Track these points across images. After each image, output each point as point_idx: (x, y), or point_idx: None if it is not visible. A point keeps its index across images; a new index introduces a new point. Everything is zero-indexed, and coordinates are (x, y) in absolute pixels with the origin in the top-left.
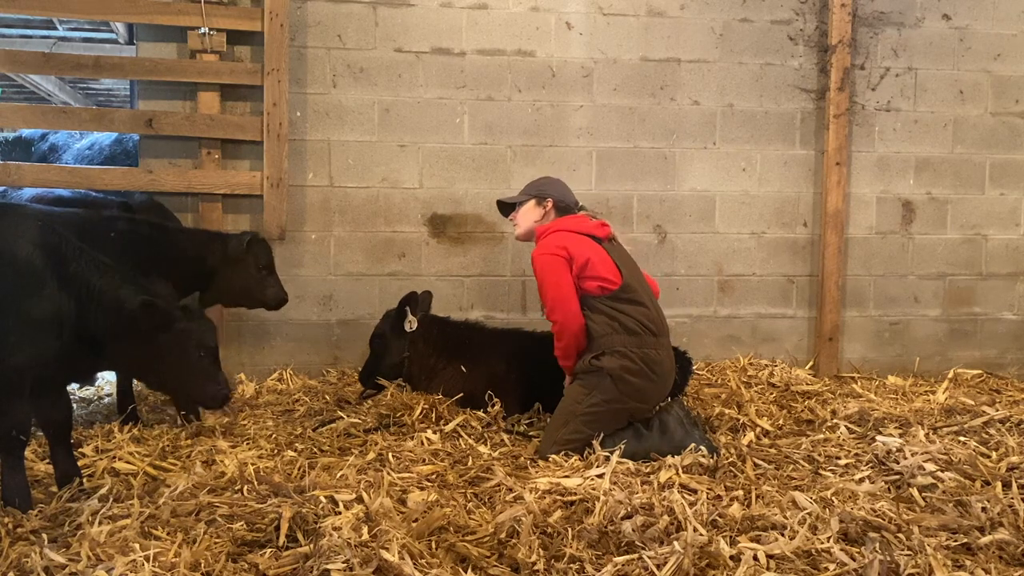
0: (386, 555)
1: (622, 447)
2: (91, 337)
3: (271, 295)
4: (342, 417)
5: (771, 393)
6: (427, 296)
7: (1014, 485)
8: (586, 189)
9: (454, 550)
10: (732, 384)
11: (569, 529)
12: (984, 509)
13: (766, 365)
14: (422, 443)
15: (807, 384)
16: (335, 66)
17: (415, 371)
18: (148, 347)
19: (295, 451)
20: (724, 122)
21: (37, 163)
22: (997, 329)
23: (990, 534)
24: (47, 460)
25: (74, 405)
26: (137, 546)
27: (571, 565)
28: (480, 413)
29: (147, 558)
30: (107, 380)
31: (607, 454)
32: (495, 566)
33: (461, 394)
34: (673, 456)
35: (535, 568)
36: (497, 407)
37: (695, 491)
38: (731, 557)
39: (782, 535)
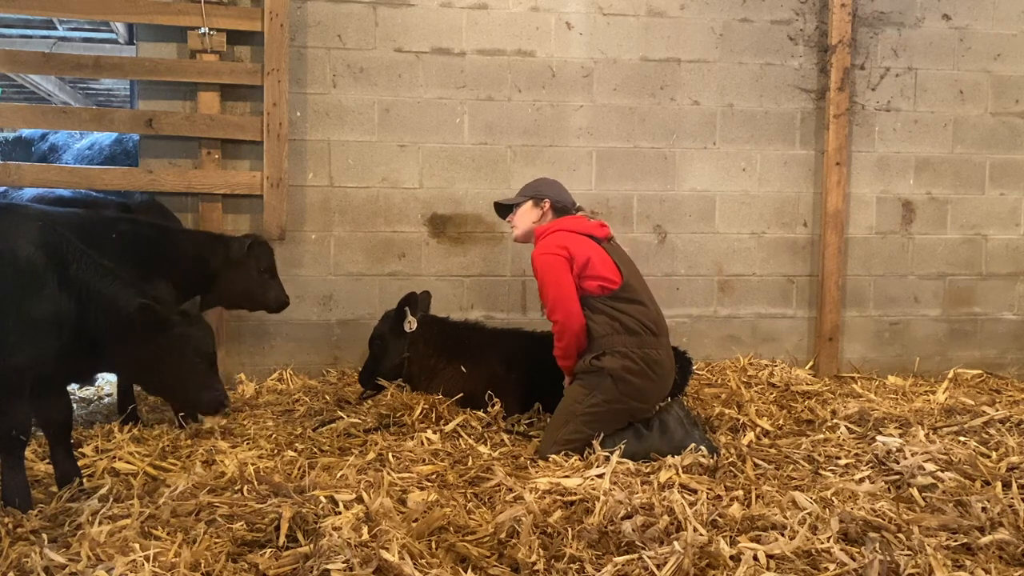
0: (386, 555)
1: (622, 447)
2: (90, 338)
3: (272, 298)
4: (342, 417)
5: (771, 393)
6: (426, 296)
7: (1014, 485)
8: (586, 189)
9: (454, 550)
10: (732, 384)
11: (569, 529)
12: (984, 509)
13: (766, 365)
14: (422, 443)
15: (807, 384)
16: (335, 66)
17: (415, 372)
18: (145, 350)
19: (295, 451)
20: (724, 122)
21: (37, 163)
22: (997, 329)
23: (990, 534)
24: (47, 460)
25: (74, 405)
26: (137, 546)
27: (571, 565)
28: (480, 413)
29: (147, 558)
30: (107, 380)
31: (607, 454)
32: (495, 566)
33: (461, 394)
34: (673, 456)
35: (535, 568)
36: (497, 407)
37: (695, 491)
38: (731, 557)
39: (782, 535)
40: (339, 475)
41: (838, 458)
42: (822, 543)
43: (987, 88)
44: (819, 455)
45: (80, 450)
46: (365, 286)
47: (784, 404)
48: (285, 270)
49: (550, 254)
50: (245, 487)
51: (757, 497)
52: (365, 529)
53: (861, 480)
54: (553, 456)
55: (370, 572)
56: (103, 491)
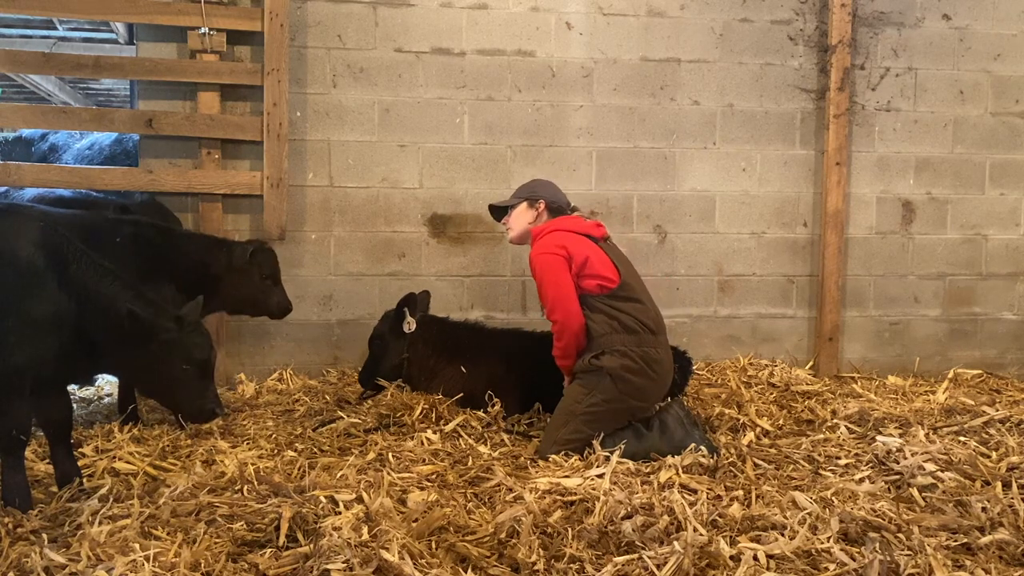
0: (386, 555)
1: (622, 447)
2: (90, 339)
3: (275, 304)
4: (342, 417)
5: (771, 393)
6: (425, 296)
7: (1014, 485)
8: (586, 189)
9: (454, 550)
10: (732, 384)
11: (569, 529)
12: (984, 509)
13: (766, 365)
14: (422, 443)
15: (807, 384)
16: (335, 66)
17: (415, 372)
18: (137, 355)
19: (295, 451)
20: (724, 122)
21: (37, 163)
22: (997, 329)
23: (990, 534)
24: (47, 460)
25: (74, 405)
26: (137, 546)
27: (571, 565)
28: (480, 413)
29: (147, 558)
30: (107, 380)
31: (607, 454)
32: (495, 566)
33: (461, 394)
34: (673, 456)
35: (535, 568)
36: (497, 407)
37: (695, 491)
38: (731, 557)
39: (782, 535)
40: (339, 475)
41: (838, 458)
42: (822, 543)
43: (987, 88)
44: (819, 455)
45: (80, 450)
46: (365, 286)
47: (784, 404)
48: (285, 270)
49: (548, 254)
50: (245, 487)
51: (757, 497)
52: (365, 529)
53: (861, 480)
54: (553, 456)
55: (370, 572)
56: (103, 491)
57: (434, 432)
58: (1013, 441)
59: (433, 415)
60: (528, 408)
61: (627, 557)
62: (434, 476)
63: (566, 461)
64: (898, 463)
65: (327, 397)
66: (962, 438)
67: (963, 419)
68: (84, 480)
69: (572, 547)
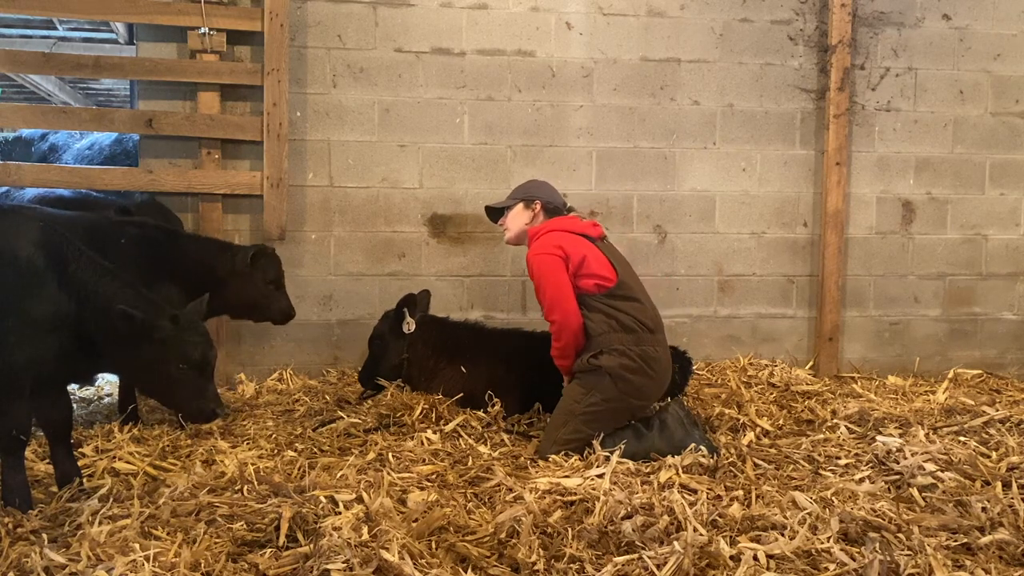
0: (386, 555)
1: (622, 447)
2: (90, 339)
3: (277, 310)
4: (342, 417)
5: (771, 393)
6: (425, 296)
7: (1014, 485)
8: (586, 189)
9: (454, 550)
10: (732, 384)
11: (569, 529)
12: (984, 509)
13: (766, 365)
14: (422, 443)
15: (807, 384)
16: (335, 66)
17: (414, 372)
18: (134, 355)
19: (295, 451)
20: (724, 122)
21: (37, 163)
22: (997, 329)
23: (990, 534)
24: (47, 460)
25: (74, 405)
26: (137, 546)
27: (571, 565)
28: (480, 413)
29: (147, 558)
30: (107, 380)
31: (607, 454)
32: (495, 566)
33: (461, 394)
34: (673, 456)
35: (535, 568)
36: (497, 407)
37: (695, 491)
38: (731, 557)
39: (782, 535)
40: (339, 475)
41: (838, 458)
42: (822, 543)
43: (987, 88)
44: (819, 455)
45: (80, 450)
46: (365, 286)
47: (784, 404)
48: (285, 270)
49: (546, 254)
50: (245, 487)
51: (757, 497)
52: (365, 529)
53: (861, 480)
54: (553, 456)
55: (370, 572)
56: (103, 491)
57: (434, 432)
58: (1013, 441)
59: (433, 415)
60: (528, 408)
61: (627, 557)
62: (434, 476)
63: (566, 461)
64: (898, 463)
65: (327, 397)
66: (962, 438)
67: (963, 419)
68: (84, 480)
69: (572, 547)
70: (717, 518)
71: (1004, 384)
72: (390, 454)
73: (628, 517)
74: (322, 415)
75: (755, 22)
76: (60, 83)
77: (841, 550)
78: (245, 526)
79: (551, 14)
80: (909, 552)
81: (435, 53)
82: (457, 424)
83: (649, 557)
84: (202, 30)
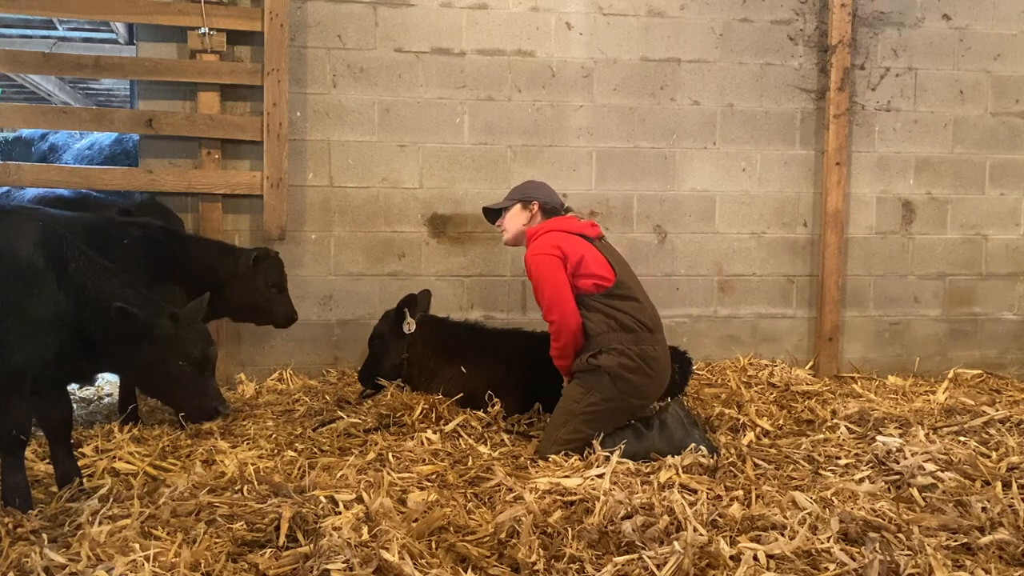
0: (386, 555)
1: (622, 447)
2: (89, 339)
3: (279, 314)
4: (342, 417)
5: (771, 393)
6: (426, 295)
7: (1014, 485)
8: (586, 189)
9: (454, 550)
10: (732, 384)
11: (569, 529)
12: (984, 509)
13: (766, 365)
14: (422, 443)
15: (807, 384)
16: (335, 66)
17: (414, 372)
18: (134, 353)
19: (295, 451)
20: (724, 122)
21: (37, 163)
22: (997, 329)
23: (990, 534)
24: (47, 460)
25: (74, 405)
26: (137, 546)
27: (571, 565)
28: (480, 413)
29: (147, 558)
30: (107, 380)
31: (607, 454)
32: (495, 566)
33: (461, 394)
34: (673, 456)
35: (535, 568)
36: (497, 407)
37: (695, 491)
38: (731, 557)
39: (782, 535)
40: (339, 475)
41: (838, 458)
42: (822, 543)
43: (987, 88)
44: (819, 455)
45: (80, 450)
46: (365, 286)
47: (784, 404)
48: (285, 270)
49: (544, 254)
50: (245, 487)
51: (757, 497)
52: (365, 529)
53: (861, 480)
54: (553, 456)
55: (370, 572)
56: (103, 491)
57: (434, 432)
58: (1013, 441)
59: (433, 415)
60: (528, 408)
61: (627, 557)
62: (434, 476)
63: (566, 461)
64: (898, 463)
65: (327, 397)
66: (962, 438)
67: (963, 419)
68: (84, 480)
69: (572, 547)
70: (717, 518)
71: (1004, 384)
72: (390, 454)
73: (628, 517)
74: (322, 415)
75: (755, 22)
76: (60, 83)
77: (841, 550)
78: (245, 526)
79: (551, 14)
80: (909, 552)
81: (435, 53)
82: (457, 424)
83: (649, 557)
84: (202, 30)
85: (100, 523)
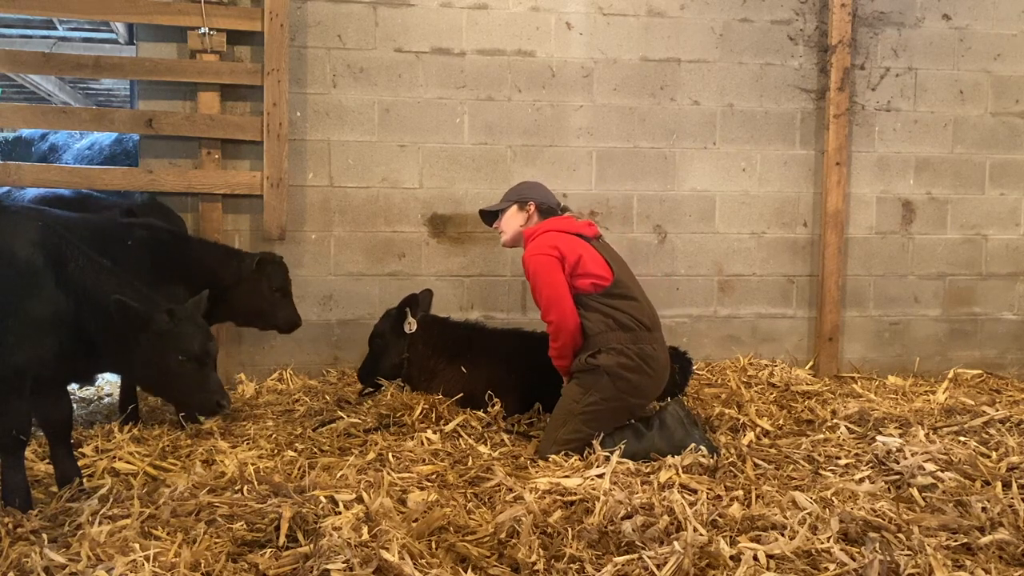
0: (386, 555)
1: (622, 447)
2: (89, 338)
3: (282, 319)
4: (342, 417)
5: (771, 393)
6: (427, 295)
7: (1014, 485)
8: (586, 189)
9: (454, 550)
10: (732, 384)
11: (569, 529)
12: (984, 509)
13: (766, 365)
14: (422, 443)
15: (807, 384)
16: (335, 66)
17: (414, 372)
18: (134, 350)
19: (295, 451)
20: (724, 122)
21: (37, 163)
22: (997, 329)
23: (990, 534)
24: (47, 460)
25: (74, 405)
26: (137, 546)
27: (571, 565)
28: (480, 413)
29: (147, 558)
30: (107, 380)
31: (607, 454)
32: (495, 566)
33: (461, 394)
34: (673, 456)
35: (535, 568)
36: (497, 407)
37: (695, 491)
38: (731, 557)
39: (782, 535)
40: (339, 475)
41: (838, 458)
42: (822, 543)
43: (987, 88)
44: (819, 455)
45: (80, 450)
46: (365, 286)
47: (784, 404)
48: None
49: (541, 254)
50: (245, 487)
51: (757, 497)
52: (365, 529)
53: (861, 480)
54: (553, 456)
55: (370, 572)
56: (103, 491)
57: (434, 432)
58: (1013, 441)
59: (433, 415)
60: (528, 408)
61: (627, 557)
62: (434, 476)
63: (566, 461)
64: (898, 463)
65: (327, 397)
66: (962, 438)
67: (963, 419)
68: (84, 480)
69: (572, 547)
70: (717, 518)
71: (1004, 384)
72: (390, 454)
73: (628, 517)
74: (322, 415)
75: (755, 22)
76: (60, 83)
77: (841, 550)
78: (245, 526)
79: (551, 14)
80: (909, 552)
81: (435, 53)
82: (457, 424)
83: (649, 557)
84: (202, 30)
85: (100, 523)
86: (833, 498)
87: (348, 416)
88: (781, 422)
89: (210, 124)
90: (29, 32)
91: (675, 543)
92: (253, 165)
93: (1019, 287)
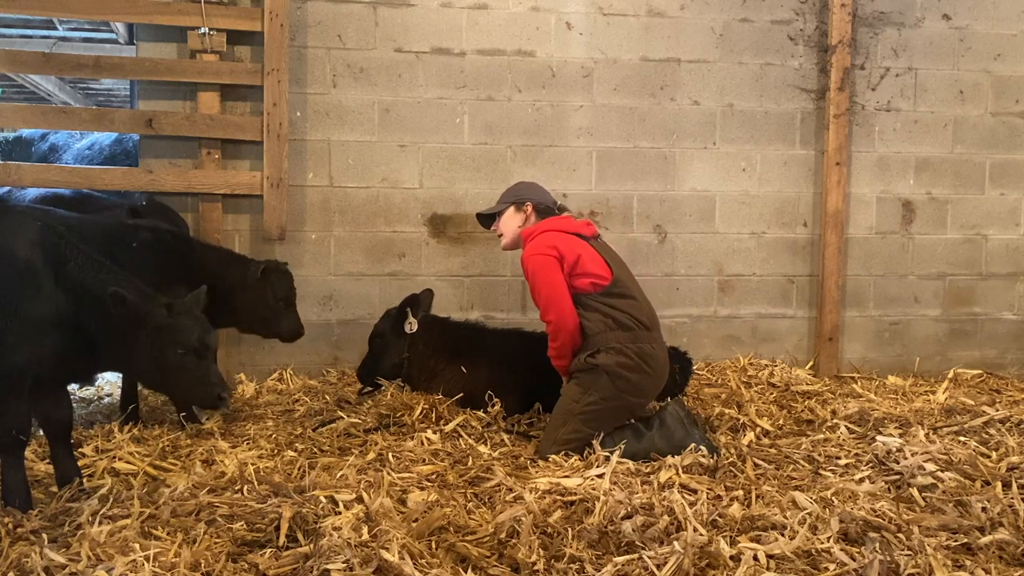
0: (386, 555)
1: (622, 447)
2: (89, 336)
3: (285, 328)
4: (342, 417)
5: (771, 393)
6: (428, 295)
7: (1014, 485)
8: (586, 189)
9: (454, 550)
10: (732, 384)
11: (569, 529)
12: (984, 509)
13: (766, 365)
14: (422, 443)
15: (807, 384)
16: (335, 66)
17: (415, 372)
18: (133, 345)
19: (295, 451)
20: (724, 122)
21: (37, 163)
22: (997, 329)
23: (990, 534)
24: (47, 460)
25: (74, 405)
26: (137, 546)
27: (571, 565)
28: (480, 413)
29: (147, 558)
30: (107, 380)
31: (607, 454)
32: (495, 566)
33: (461, 394)
34: (673, 456)
35: (535, 568)
36: (497, 407)
37: (695, 491)
38: (731, 557)
39: (782, 535)
40: (339, 475)
41: (838, 458)
42: (822, 543)
43: (987, 88)
44: (819, 455)
45: (80, 450)
46: (365, 286)
47: (784, 404)
48: None
49: (540, 254)
50: (245, 487)
51: (757, 497)
52: (365, 529)
53: (861, 480)
54: (553, 456)
55: (370, 572)
56: (103, 491)
57: (434, 432)
58: (1013, 441)
59: (433, 415)
60: (528, 408)
61: (627, 557)
62: (434, 476)
63: (566, 461)
64: (898, 463)
65: (327, 397)
66: (962, 438)
67: (963, 419)
68: (84, 480)
69: (572, 547)
70: (717, 518)
71: (1004, 384)
72: (390, 454)
73: (628, 517)
74: (322, 415)
75: (755, 22)
76: (60, 83)
77: (841, 550)
78: (245, 526)
79: (551, 14)
80: (909, 552)
81: (435, 53)
82: (457, 424)
83: (649, 557)
84: (202, 30)
85: (100, 523)
86: (833, 498)
87: (348, 416)
88: (781, 422)
89: (210, 124)
90: (29, 32)
91: (675, 543)
92: (253, 165)
93: (1019, 287)
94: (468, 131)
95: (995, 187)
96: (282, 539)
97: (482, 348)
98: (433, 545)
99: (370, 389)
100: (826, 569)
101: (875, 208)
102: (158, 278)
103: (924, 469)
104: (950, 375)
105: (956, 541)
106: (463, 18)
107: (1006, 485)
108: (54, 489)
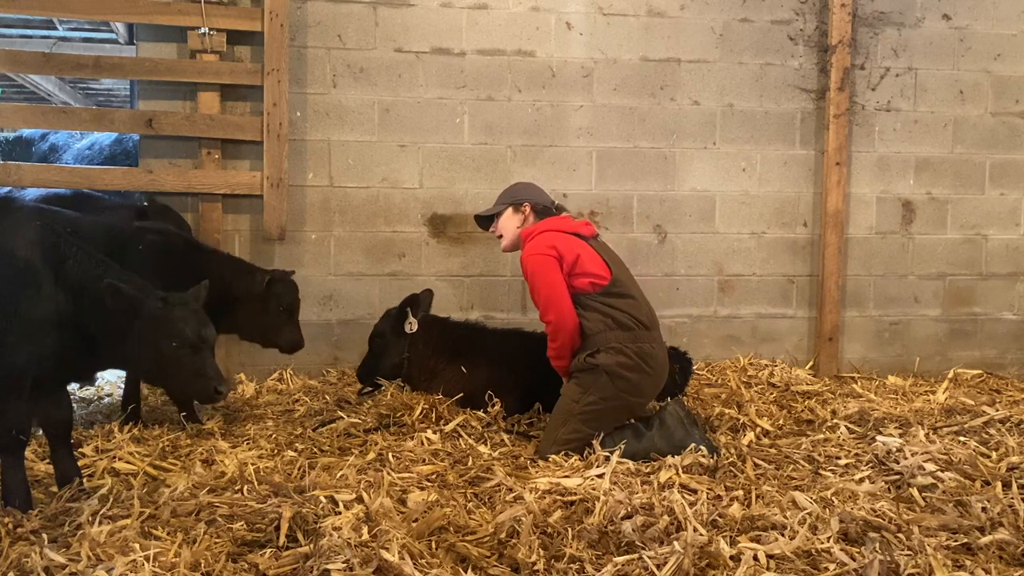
0: (386, 555)
1: (622, 447)
2: (89, 335)
3: (285, 339)
4: (342, 417)
5: (771, 393)
6: (428, 295)
7: (1014, 485)
8: (586, 189)
9: (454, 550)
10: (732, 384)
11: (569, 529)
12: (984, 509)
13: (766, 365)
14: (422, 443)
15: (807, 384)
16: (335, 66)
17: (415, 372)
18: (128, 336)
19: (295, 451)
20: (724, 122)
21: (37, 163)
22: (997, 329)
23: (990, 534)
24: (47, 460)
25: (74, 405)
26: (137, 546)
27: (571, 565)
28: (480, 413)
29: (147, 558)
30: (107, 380)
31: (607, 454)
32: (495, 566)
33: (461, 394)
34: (673, 456)
35: (535, 568)
36: (497, 407)
37: (695, 491)
38: (731, 557)
39: (782, 535)
40: (339, 475)
41: (838, 458)
42: (822, 543)
43: (987, 88)
44: (819, 455)
45: (80, 450)
46: (365, 286)
47: (784, 404)
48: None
49: (539, 254)
50: (245, 487)
51: (757, 497)
52: (365, 529)
53: (861, 480)
54: (553, 456)
55: (370, 572)
56: (103, 491)
57: (434, 432)
58: (1013, 441)
59: (433, 415)
60: (528, 408)
61: (627, 557)
62: (434, 476)
63: (566, 461)
64: (898, 463)
65: (327, 397)
66: (962, 438)
67: (963, 419)
68: (84, 480)
69: (572, 547)
70: (717, 518)
71: (1004, 384)
72: (390, 454)
73: (628, 517)
74: (322, 415)
75: (755, 22)
76: (60, 83)
77: (841, 550)
78: (245, 526)
79: (551, 14)
80: (909, 552)
81: (435, 53)
82: (457, 424)
83: (649, 557)
84: (202, 30)
85: (100, 523)
86: (833, 498)
87: (348, 416)
88: (781, 422)
89: (210, 124)
90: (29, 32)
91: (675, 543)
92: (253, 165)
93: (1019, 287)
94: (468, 131)
95: (995, 187)
96: (282, 539)
97: (482, 348)
98: (433, 545)
99: (370, 389)
100: (826, 569)
101: (875, 208)
102: (163, 281)
103: (924, 469)
104: (950, 375)
105: (956, 541)
106: (463, 18)
107: (1006, 485)
108: (54, 489)
